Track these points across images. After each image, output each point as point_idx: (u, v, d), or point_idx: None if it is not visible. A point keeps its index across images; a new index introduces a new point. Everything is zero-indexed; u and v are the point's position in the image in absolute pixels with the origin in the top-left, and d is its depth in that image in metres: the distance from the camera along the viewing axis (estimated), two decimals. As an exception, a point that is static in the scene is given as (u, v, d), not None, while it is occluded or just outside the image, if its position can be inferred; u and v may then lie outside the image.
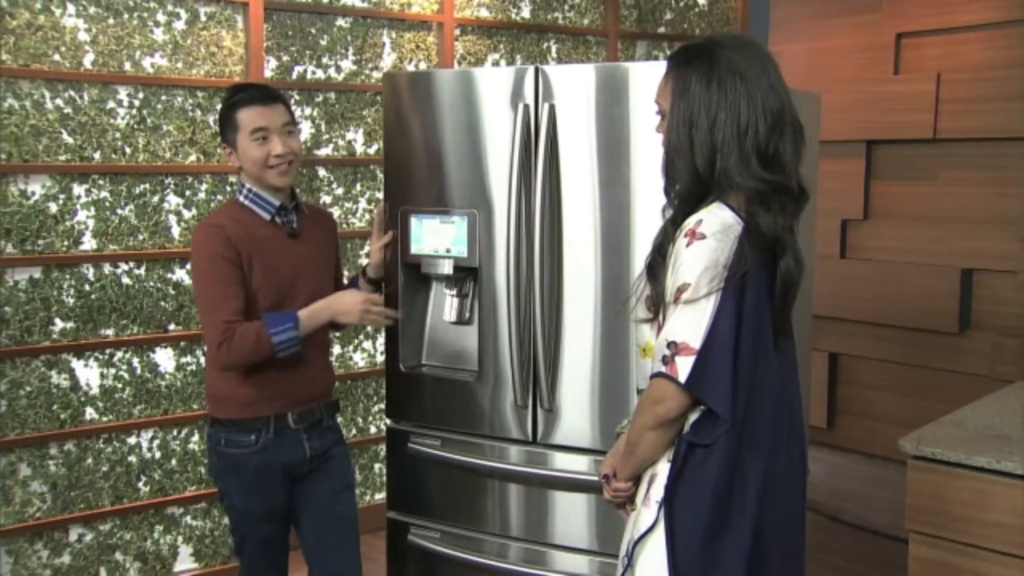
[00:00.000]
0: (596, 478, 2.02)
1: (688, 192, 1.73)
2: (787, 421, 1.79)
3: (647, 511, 1.75)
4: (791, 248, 1.73)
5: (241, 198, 2.45)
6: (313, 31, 3.79)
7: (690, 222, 1.69)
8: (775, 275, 1.73)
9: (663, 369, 1.67)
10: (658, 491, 1.73)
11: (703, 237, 1.66)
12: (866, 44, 4.99)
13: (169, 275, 3.45)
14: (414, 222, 2.69)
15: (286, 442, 2.45)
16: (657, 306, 1.77)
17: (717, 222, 1.68)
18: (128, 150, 3.37)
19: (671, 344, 1.67)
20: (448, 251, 2.65)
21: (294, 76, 3.75)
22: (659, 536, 1.72)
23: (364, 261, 2.77)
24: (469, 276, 2.68)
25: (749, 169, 1.68)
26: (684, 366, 1.65)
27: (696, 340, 1.65)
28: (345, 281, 2.76)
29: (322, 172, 3.85)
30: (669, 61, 1.79)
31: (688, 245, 1.67)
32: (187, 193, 3.50)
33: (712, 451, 1.68)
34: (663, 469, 1.73)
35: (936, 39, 4.76)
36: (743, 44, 1.75)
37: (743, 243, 1.67)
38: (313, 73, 3.80)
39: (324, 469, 2.54)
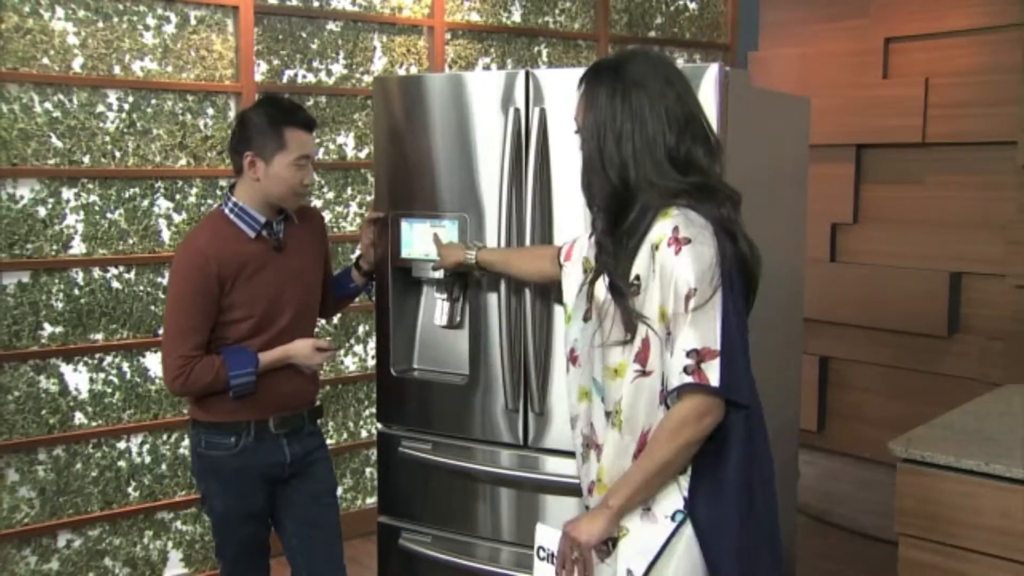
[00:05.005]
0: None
1: (608, 205, 1.77)
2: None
3: (654, 528, 1.74)
4: (741, 234, 1.76)
5: (227, 211, 2.43)
6: (304, 35, 3.78)
7: (665, 231, 1.70)
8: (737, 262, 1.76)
9: (690, 379, 1.66)
10: (664, 506, 1.74)
11: (688, 241, 1.68)
12: (855, 49, 5.02)
13: (159, 279, 3.44)
14: (405, 226, 2.69)
15: (266, 446, 2.46)
16: (632, 325, 1.75)
17: (689, 224, 1.70)
18: (118, 154, 3.36)
19: (691, 352, 1.66)
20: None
21: (284, 80, 3.74)
22: (684, 545, 1.72)
23: (357, 252, 2.78)
24: (460, 280, 2.68)
25: (666, 173, 1.72)
26: (712, 370, 1.65)
27: (715, 342, 1.66)
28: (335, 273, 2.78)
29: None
30: (581, 78, 1.83)
31: (677, 253, 1.68)
32: (177, 197, 3.49)
33: (725, 441, 1.70)
34: None
35: (924, 44, 4.80)
36: (649, 59, 1.80)
37: (720, 236, 1.71)
38: (304, 77, 3.80)
39: (306, 474, 2.54)
